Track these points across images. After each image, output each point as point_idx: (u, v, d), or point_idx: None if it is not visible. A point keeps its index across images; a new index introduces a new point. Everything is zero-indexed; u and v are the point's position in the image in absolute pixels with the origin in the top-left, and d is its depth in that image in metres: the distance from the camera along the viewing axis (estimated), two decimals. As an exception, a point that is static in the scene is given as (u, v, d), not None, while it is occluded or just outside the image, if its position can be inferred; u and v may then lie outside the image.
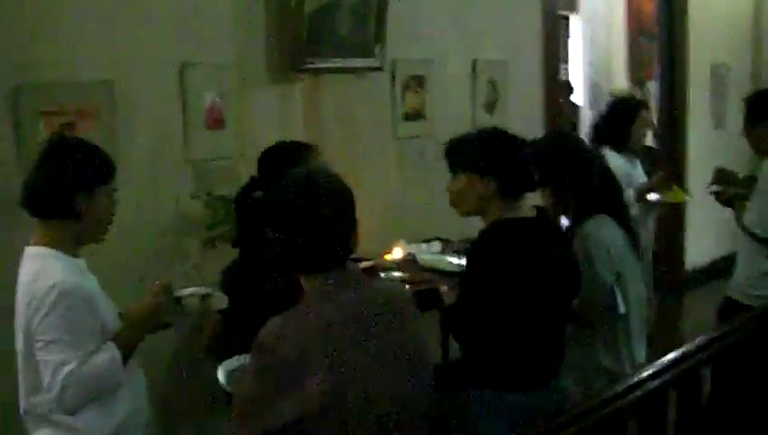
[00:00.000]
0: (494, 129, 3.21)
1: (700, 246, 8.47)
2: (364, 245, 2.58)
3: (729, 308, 4.77)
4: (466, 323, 3.03)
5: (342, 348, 2.22)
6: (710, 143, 8.42)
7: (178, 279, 3.56)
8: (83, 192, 2.79)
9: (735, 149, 8.82)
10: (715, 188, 5.16)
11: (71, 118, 3.85)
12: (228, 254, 3.66)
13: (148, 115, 4.22)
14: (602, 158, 4.01)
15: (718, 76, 8.40)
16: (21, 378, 2.84)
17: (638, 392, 3.04)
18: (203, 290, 3.04)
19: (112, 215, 2.91)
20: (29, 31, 3.78)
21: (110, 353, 2.75)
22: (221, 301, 3.01)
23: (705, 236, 8.38)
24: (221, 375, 2.97)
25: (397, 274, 4.24)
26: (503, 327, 2.97)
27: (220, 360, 3.07)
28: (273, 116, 4.84)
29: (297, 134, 4.88)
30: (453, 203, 3.19)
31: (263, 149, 3.64)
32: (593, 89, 10.01)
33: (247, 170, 4.57)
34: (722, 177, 5.27)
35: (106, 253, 3.15)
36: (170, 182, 4.34)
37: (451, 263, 4.38)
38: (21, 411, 2.86)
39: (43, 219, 2.83)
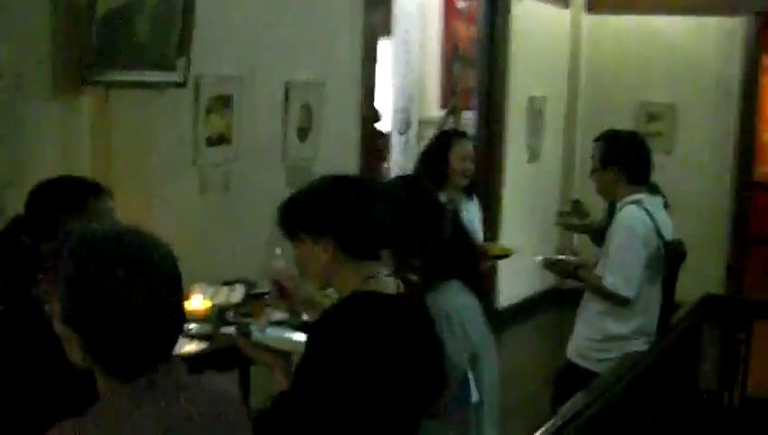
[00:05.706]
0: (334, 178, 2.62)
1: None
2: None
3: (570, 372, 4.38)
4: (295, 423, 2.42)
5: None
6: (525, 176, 8.25)
7: None
8: None
9: (548, 182, 8.72)
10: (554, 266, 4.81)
11: None
12: None
13: None
14: (453, 208, 3.43)
15: (535, 108, 8.17)
16: None
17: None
18: None
19: None
20: None
21: None
22: None
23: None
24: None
25: None
26: None
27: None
28: (54, 136, 4.10)
29: (81, 158, 4.19)
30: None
31: (39, 181, 2.87)
32: (401, 114, 9.45)
33: (19, 202, 3.85)
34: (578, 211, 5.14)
35: None
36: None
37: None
38: None
39: None
